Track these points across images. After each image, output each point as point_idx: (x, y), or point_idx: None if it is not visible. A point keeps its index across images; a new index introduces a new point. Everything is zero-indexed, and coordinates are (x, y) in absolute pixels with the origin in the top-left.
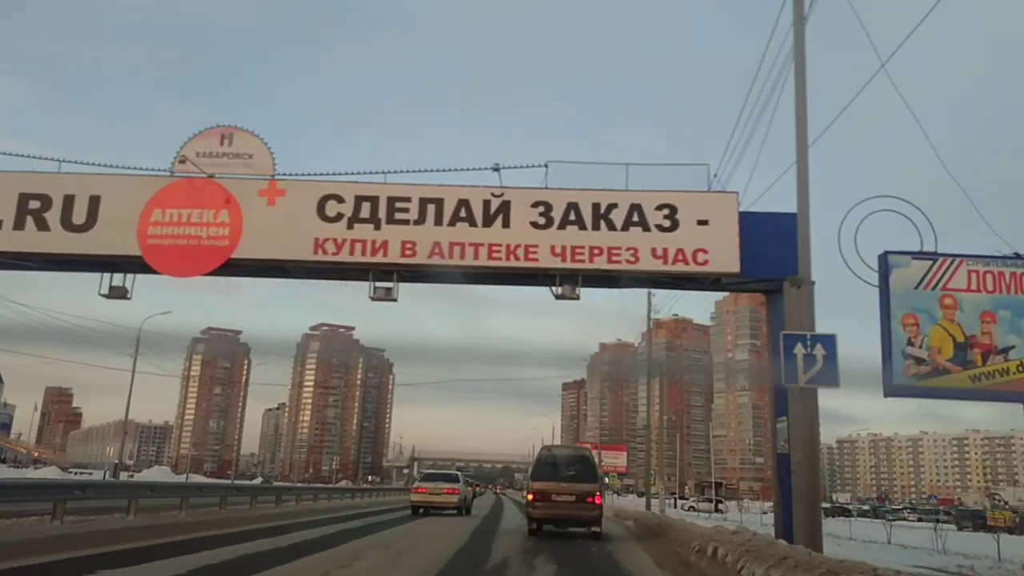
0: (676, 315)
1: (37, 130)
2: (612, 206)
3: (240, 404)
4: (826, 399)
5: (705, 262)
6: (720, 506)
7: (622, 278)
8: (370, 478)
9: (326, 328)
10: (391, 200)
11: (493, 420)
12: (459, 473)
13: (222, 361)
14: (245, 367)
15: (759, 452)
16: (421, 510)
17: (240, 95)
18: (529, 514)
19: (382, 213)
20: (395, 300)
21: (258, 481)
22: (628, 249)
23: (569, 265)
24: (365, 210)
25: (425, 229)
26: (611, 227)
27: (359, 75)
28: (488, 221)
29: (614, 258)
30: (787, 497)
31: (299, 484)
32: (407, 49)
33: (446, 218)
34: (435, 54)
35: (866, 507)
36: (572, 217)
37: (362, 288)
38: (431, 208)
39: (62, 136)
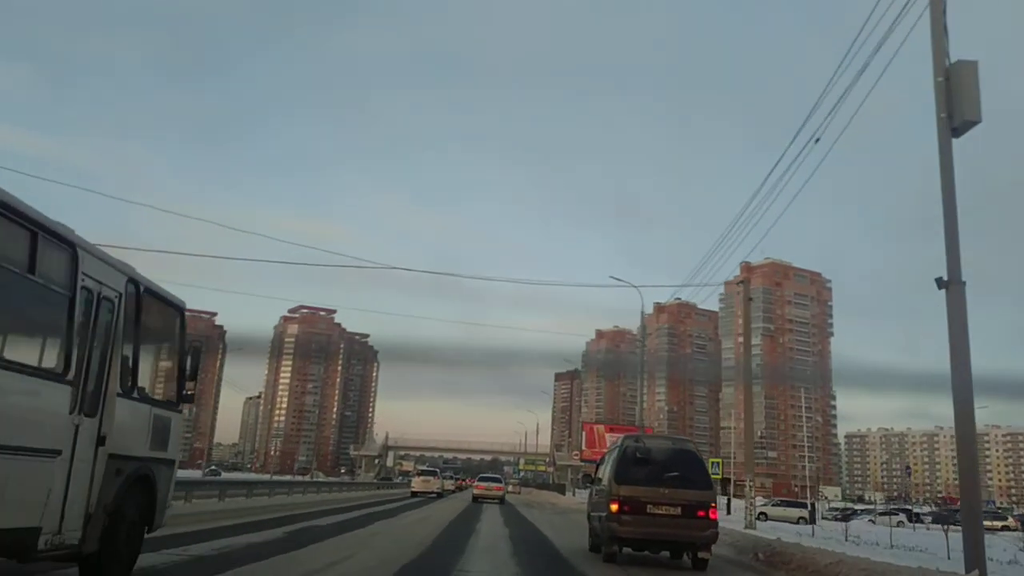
0: (679, 299)
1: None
2: None
3: (214, 390)
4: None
5: None
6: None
7: None
8: (341, 471)
9: (305, 311)
10: None
11: (483, 413)
12: (500, 476)
13: (194, 344)
14: (220, 351)
15: (772, 446)
16: (481, 501)
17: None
18: (613, 531)
19: None
20: None
21: (202, 474)
22: None
23: None
24: None
25: None
26: None
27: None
28: None
29: None
30: None
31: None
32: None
33: None
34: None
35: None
36: None
37: None
38: None
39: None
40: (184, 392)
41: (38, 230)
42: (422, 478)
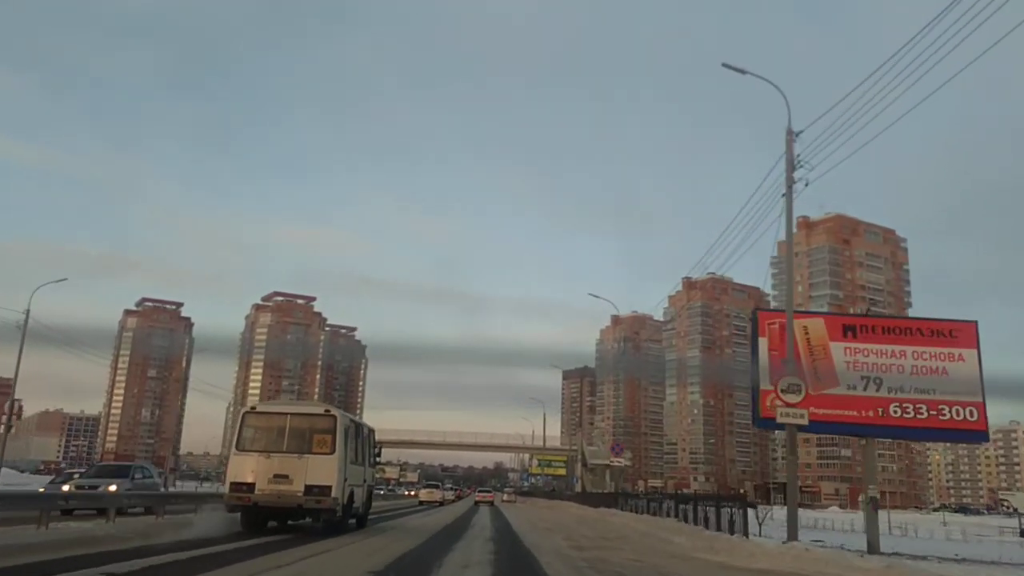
0: (712, 273)
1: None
2: None
3: (180, 390)
4: None
5: None
6: None
7: None
8: None
9: (281, 298)
10: None
11: (484, 421)
12: (491, 489)
13: (158, 338)
14: (186, 346)
15: (844, 442)
16: (480, 505)
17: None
18: None
19: None
20: None
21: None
22: None
23: None
24: None
25: None
26: None
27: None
28: None
29: None
30: None
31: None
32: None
33: None
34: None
35: None
36: None
37: None
38: None
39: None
40: (376, 460)
41: (357, 423)
42: (427, 490)
